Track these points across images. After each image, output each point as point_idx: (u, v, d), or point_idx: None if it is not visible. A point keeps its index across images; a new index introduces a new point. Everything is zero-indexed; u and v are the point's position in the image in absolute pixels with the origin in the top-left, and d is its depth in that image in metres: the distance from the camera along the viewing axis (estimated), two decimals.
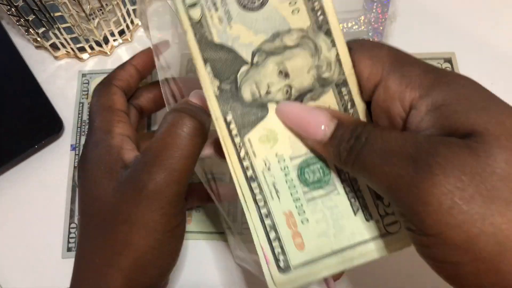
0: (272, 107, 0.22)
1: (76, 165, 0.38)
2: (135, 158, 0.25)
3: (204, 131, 0.24)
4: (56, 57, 0.42)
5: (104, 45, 0.41)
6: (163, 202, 0.23)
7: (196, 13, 0.20)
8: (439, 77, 0.19)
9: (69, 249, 0.35)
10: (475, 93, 0.18)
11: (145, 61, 0.31)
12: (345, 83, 0.21)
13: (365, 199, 0.22)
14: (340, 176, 0.22)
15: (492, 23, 0.43)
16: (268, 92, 0.21)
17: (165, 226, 0.23)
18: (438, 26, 0.43)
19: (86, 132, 0.29)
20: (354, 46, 0.21)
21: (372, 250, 0.22)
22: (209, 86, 0.21)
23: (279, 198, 0.22)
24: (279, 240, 0.21)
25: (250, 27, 0.20)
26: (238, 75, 0.21)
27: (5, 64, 0.41)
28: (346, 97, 0.21)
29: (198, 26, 0.21)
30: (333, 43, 0.20)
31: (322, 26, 0.20)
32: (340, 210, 0.22)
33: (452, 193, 0.16)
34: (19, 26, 0.39)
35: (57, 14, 0.36)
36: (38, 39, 0.40)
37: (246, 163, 0.21)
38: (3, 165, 0.37)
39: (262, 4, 0.20)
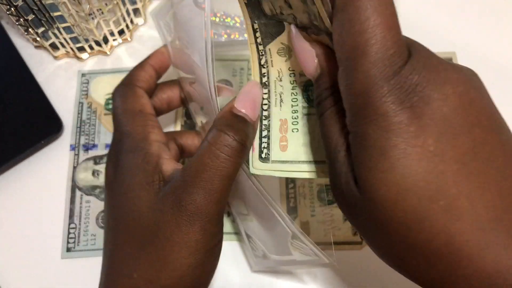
0: (286, 25, 0.23)
1: (75, 165, 0.38)
2: (174, 171, 0.24)
3: (245, 150, 0.23)
4: (55, 57, 0.42)
5: (103, 45, 0.41)
6: (203, 222, 0.22)
7: None
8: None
9: (68, 250, 0.35)
10: None
11: (162, 61, 0.31)
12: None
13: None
14: None
15: (492, 23, 0.43)
16: (281, 13, 0.22)
17: (206, 245, 0.23)
18: (438, 26, 0.43)
19: (113, 137, 0.27)
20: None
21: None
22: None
23: (281, 106, 0.24)
24: (268, 138, 0.24)
25: None
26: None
27: (4, 64, 0.41)
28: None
29: None
30: (313, 2, 0.20)
31: None
32: None
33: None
34: (19, 26, 0.39)
35: (56, 13, 0.36)
36: (38, 38, 0.40)
37: (264, 70, 0.24)
38: (2, 165, 0.37)
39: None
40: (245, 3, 0.23)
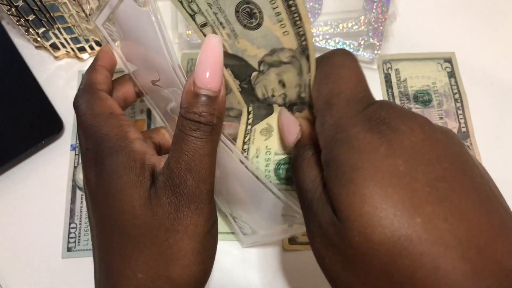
0: (276, 107, 0.25)
1: (76, 165, 0.38)
2: (162, 165, 0.24)
3: (216, 126, 0.23)
4: (56, 57, 0.42)
5: None
6: (197, 203, 0.23)
7: (208, 31, 0.23)
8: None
9: (69, 249, 0.35)
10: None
11: (111, 60, 0.30)
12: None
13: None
14: None
15: (492, 23, 0.43)
16: (273, 95, 0.25)
17: (204, 227, 0.23)
18: (438, 26, 0.43)
19: (84, 144, 0.26)
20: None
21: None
22: (232, 84, 0.25)
23: None
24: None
25: (253, 43, 0.23)
26: (251, 78, 0.24)
27: (5, 64, 0.41)
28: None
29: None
30: (309, 69, 0.22)
31: (305, 51, 0.23)
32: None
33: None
34: (19, 26, 0.39)
35: (57, 14, 0.36)
36: (38, 39, 0.40)
37: (245, 146, 0.26)
38: (3, 165, 0.37)
39: (259, 25, 0.22)
40: (239, 91, 0.25)
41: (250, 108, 0.26)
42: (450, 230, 0.16)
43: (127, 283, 0.23)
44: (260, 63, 0.24)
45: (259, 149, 0.26)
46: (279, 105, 0.25)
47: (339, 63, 0.21)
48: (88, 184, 0.25)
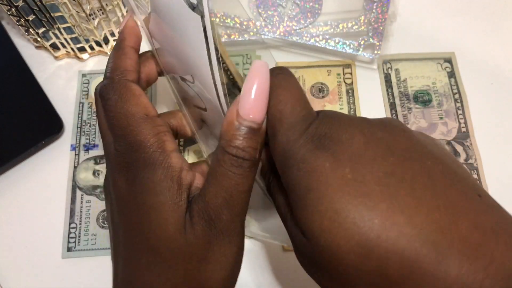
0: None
1: (76, 165, 0.38)
2: (195, 186, 0.23)
3: (256, 161, 0.22)
4: (56, 57, 0.42)
5: (104, 45, 0.41)
6: (231, 237, 0.22)
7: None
8: None
9: (69, 249, 0.35)
10: None
11: (137, 38, 0.26)
12: None
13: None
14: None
15: (492, 23, 0.43)
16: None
17: (234, 257, 0.23)
18: (438, 26, 0.43)
19: (111, 143, 0.23)
20: None
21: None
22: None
23: None
24: None
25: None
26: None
27: (5, 64, 0.41)
28: None
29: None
30: None
31: (235, 84, 0.26)
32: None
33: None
34: (19, 26, 0.39)
35: (57, 14, 0.36)
36: (38, 39, 0.40)
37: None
38: (3, 165, 0.37)
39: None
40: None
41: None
42: (408, 221, 0.17)
43: None
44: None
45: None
46: None
47: (274, 85, 0.21)
48: (117, 188, 0.23)
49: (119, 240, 0.24)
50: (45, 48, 0.42)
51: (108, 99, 0.23)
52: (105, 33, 0.41)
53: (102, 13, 0.39)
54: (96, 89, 0.25)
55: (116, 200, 0.24)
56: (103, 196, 0.37)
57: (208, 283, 0.22)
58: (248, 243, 0.35)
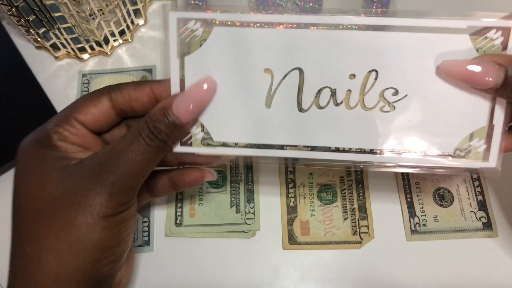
0: None
1: None
2: (100, 152, 0.25)
3: (167, 146, 0.25)
4: (56, 57, 0.42)
5: (104, 45, 0.42)
6: (115, 190, 0.24)
7: None
8: None
9: None
10: None
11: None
12: None
13: (240, 200, 0.36)
14: (231, 184, 0.36)
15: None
16: None
17: (110, 210, 0.24)
18: None
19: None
20: None
21: (234, 229, 0.35)
22: None
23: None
24: (181, 208, 0.36)
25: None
26: None
27: (5, 64, 0.41)
28: None
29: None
30: None
31: None
32: (222, 203, 0.36)
33: None
34: (20, 27, 0.39)
35: (57, 14, 0.37)
36: (39, 39, 0.40)
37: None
38: (3, 165, 0.37)
39: None
40: None
41: None
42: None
43: (19, 259, 0.24)
44: None
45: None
46: None
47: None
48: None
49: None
50: (46, 48, 0.42)
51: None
52: (105, 33, 0.41)
53: (102, 13, 0.39)
54: None
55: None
56: None
57: (73, 228, 0.24)
58: (247, 242, 0.35)
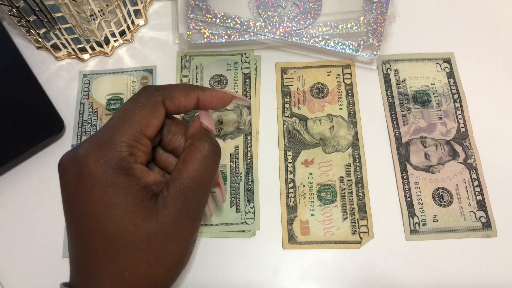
0: None
1: None
2: (173, 179, 0.26)
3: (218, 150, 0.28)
4: (57, 58, 0.42)
5: (105, 46, 0.42)
6: (200, 215, 0.27)
7: (185, 78, 0.41)
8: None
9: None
10: None
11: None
12: (250, 134, 0.39)
13: (240, 200, 0.36)
14: (231, 184, 0.37)
15: (491, 23, 0.44)
16: None
17: (195, 236, 0.27)
18: (437, 26, 0.43)
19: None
20: None
21: (234, 229, 0.36)
22: (177, 115, 0.33)
23: None
24: None
25: None
26: (195, 115, 0.31)
27: (6, 65, 0.41)
28: (248, 140, 0.38)
29: None
30: (250, 113, 0.39)
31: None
32: (223, 203, 0.36)
33: None
34: (20, 27, 0.39)
35: (58, 14, 0.37)
36: (39, 39, 0.40)
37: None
38: (4, 165, 0.37)
39: (221, 89, 0.35)
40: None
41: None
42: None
43: (110, 280, 0.24)
44: None
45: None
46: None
47: None
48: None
49: (78, 232, 0.25)
50: (46, 49, 0.42)
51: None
52: (105, 34, 0.41)
53: (103, 14, 0.39)
54: None
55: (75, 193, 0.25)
56: None
57: (168, 257, 0.25)
58: (247, 241, 0.35)
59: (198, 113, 0.29)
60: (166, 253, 0.25)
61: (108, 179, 0.24)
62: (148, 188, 0.25)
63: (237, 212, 0.36)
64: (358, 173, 0.37)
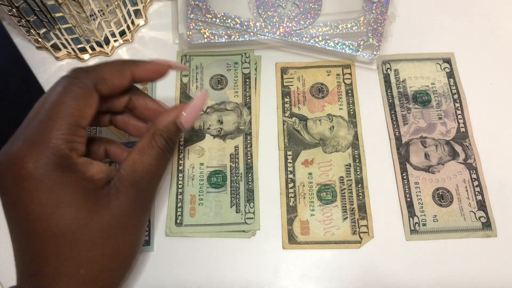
0: (207, 136, 0.39)
1: None
2: (124, 169, 0.26)
3: (170, 156, 0.29)
4: (57, 58, 0.42)
5: (105, 46, 0.42)
6: (151, 202, 0.28)
7: (185, 78, 0.41)
8: None
9: None
10: None
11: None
12: (250, 134, 0.39)
13: (240, 200, 0.36)
14: (231, 184, 0.37)
15: (491, 23, 0.44)
16: (208, 128, 0.39)
17: (146, 224, 0.28)
18: (437, 26, 0.43)
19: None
20: None
21: (234, 229, 0.36)
22: None
23: (192, 185, 0.37)
24: (182, 208, 0.36)
25: (209, 97, 0.40)
26: None
27: (6, 65, 0.41)
28: (248, 140, 0.38)
29: (184, 85, 0.41)
30: (250, 113, 0.40)
31: (247, 104, 0.40)
32: (222, 202, 0.36)
33: None
34: (20, 27, 0.39)
35: (58, 14, 0.37)
36: (39, 39, 0.40)
37: (180, 161, 0.38)
38: None
39: (221, 89, 0.41)
40: None
41: (183, 135, 0.39)
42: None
43: (66, 280, 0.23)
44: (207, 108, 0.40)
45: (193, 163, 0.38)
46: (213, 135, 0.39)
47: None
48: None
49: (22, 234, 0.24)
50: (46, 49, 0.42)
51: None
52: (105, 34, 0.41)
53: (103, 14, 0.39)
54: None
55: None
56: None
57: (124, 248, 0.25)
58: (247, 241, 0.35)
59: (193, 99, 0.29)
60: (121, 244, 0.25)
61: (52, 179, 0.23)
62: (94, 180, 0.24)
63: (237, 212, 0.36)
64: (358, 173, 0.37)
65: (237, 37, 0.40)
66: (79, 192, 0.23)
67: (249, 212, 0.36)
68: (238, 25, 0.40)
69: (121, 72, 0.27)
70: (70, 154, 0.24)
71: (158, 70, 0.28)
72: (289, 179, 0.37)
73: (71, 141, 0.24)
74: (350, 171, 0.37)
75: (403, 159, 0.38)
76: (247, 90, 0.40)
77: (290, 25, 0.40)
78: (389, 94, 0.40)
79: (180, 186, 0.37)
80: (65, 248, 0.23)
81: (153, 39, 0.44)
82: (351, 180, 0.37)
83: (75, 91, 0.24)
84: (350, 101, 0.40)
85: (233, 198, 0.36)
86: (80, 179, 0.24)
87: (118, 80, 0.26)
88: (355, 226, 0.35)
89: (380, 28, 0.39)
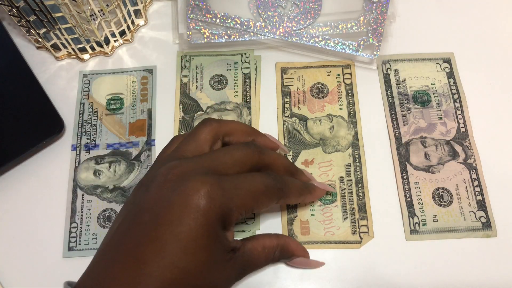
0: None
1: (77, 165, 0.38)
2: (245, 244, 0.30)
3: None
4: (57, 58, 0.42)
5: (105, 46, 0.42)
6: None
7: (185, 78, 0.41)
8: None
9: (70, 249, 0.35)
10: None
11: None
12: None
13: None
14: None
15: (491, 23, 0.44)
16: None
17: None
18: (437, 26, 0.43)
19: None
20: None
21: (234, 229, 0.33)
22: (177, 115, 0.40)
23: None
24: None
25: (209, 97, 0.41)
26: (195, 115, 0.40)
27: (6, 65, 0.41)
28: None
29: (184, 85, 0.41)
30: (250, 113, 0.39)
31: (247, 104, 0.40)
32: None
33: None
34: (20, 27, 0.39)
35: (58, 14, 0.37)
36: (39, 39, 0.40)
37: None
38: (4, 165, 0.37)
39: (221, 89, 0.41)
40: (179, 120, 0.39)
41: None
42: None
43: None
44: (207, 108, 0.40)
45: None
46: None
47: None
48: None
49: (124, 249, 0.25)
50: (46, 49, 0.42)
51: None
52: (105, 34, 0.41)
53: (103, 14, 0.39)
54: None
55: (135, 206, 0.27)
56: (104, 196, 0.37)
57: None
58: None
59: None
60: None
61: (211, 230, 0.26)
62: (233, 249, 0.28)
63: None
64: (358, 173, 0.37)
65: (237, 37, 0.40)
66: (220, 255, 0.27)
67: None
68: (238, 25, 0.40)
69: (248, 134, 0.33)
70: (233, 219, 0.27)
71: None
72: None
73: (241, 206, 0.27)
74: (350, 171, 0.37)
75: (403, 159, 0.38)
76: (247, 90, 0.40)
77: (290, 25, 0.40)
78: (389, 94, 0.40)
79: None
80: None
81: (153, 39, 0.44)
82: (351, 180, 0.37)
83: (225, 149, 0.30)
84: (350, 101, 0.40)
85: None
86: (226, 246, 0.27)
87: (242, 139, 0.33)
88: (355, 226, 0.35)
89: (380, 28, 0.39)
